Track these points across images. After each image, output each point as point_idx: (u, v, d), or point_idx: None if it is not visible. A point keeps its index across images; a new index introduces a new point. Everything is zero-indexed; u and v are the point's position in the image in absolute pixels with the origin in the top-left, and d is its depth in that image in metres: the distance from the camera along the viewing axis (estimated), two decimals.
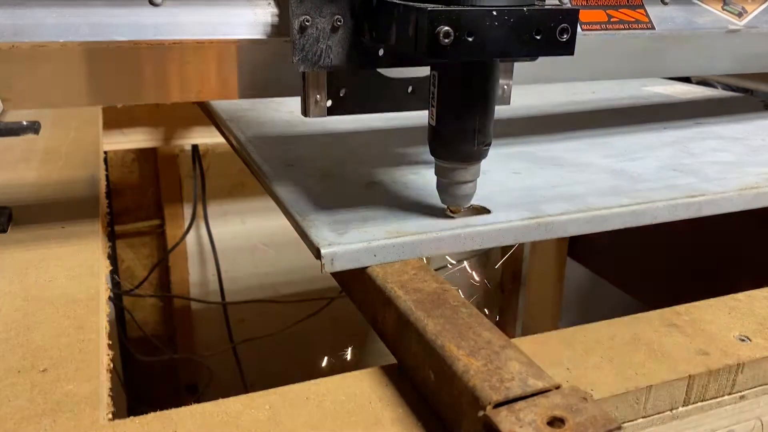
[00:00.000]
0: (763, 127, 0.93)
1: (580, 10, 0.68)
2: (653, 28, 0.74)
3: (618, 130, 0.90)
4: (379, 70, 0.58)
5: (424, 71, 0.57)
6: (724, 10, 0.77)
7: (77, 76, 0.54)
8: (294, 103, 1.02)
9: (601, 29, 0.71)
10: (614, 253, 1.53)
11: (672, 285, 1.37)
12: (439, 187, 0.57)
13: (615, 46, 0.76)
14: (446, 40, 0.44)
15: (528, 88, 1.16)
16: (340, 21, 0.51)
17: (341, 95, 0.57)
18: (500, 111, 1.00)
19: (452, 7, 0.45)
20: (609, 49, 0.76)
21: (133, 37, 0.53)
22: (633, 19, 0.73)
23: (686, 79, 1.42)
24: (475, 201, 0.61)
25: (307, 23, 0.50)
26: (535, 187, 0.66)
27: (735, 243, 1.23)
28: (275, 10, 0.57)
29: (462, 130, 0.53)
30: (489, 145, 0.55)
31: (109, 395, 0.44)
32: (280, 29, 0.57)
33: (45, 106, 0.58)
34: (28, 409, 0.41)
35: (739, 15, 0.77)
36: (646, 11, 0.74)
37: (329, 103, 0.57)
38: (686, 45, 0.80)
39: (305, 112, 0.57)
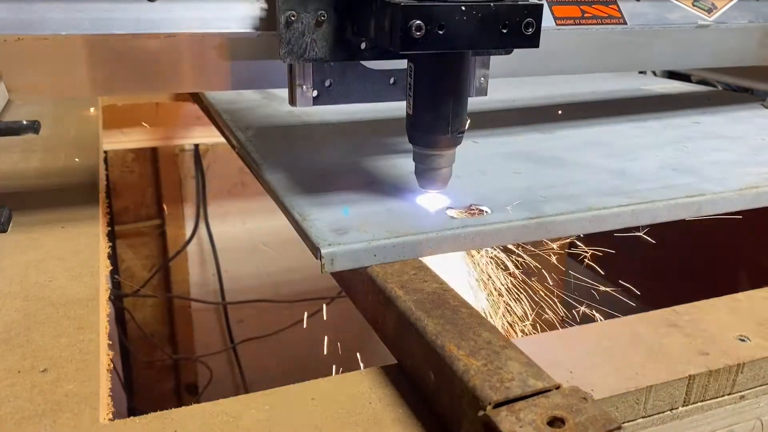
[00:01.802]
0: (763, 127, 0.93)
1: (555, 6, 0.70)
2: (625, 23, 0.77)
3: (617, 130, 0.90)
4: (361, 62, 0.61)
5: (405, 64, 0.59)
6: (694, 6, 0.79)
7: (79, 67, 0.58)
8: None
9: (575, 24, 0.74)
10: (614, 253, 1.53)
11: (672, 285, 1.37)
12: (417, 172, 0.60)
13: (589, 40, 0.79)
14: (418, 33, 0.48)
15: (527, 87, 1.17)
16: (323, 16, 0.55)
17: (327, 86, 0.60)
18: (501, 107, 1.00)
19: (424, 3, 0.48)
20: (583, 43, 0.79)
21: (131, 30, 0.56)
22: (606, 15, 0.75)
23: (686, 78, 1.42)
24: (475, 201, 0.61)
25: (292, 18, 0.54)
26: (535, 187, 0.66)
27: (735, 243, 1.23)
28: (264, 5, 0.60)
29: (436, 119, 0.56)
30: (463, 132, 0.57)
31: (109, 395, 0.44)
32: (268, 23, 0.60)
33: (49, 96, 0.60)
34: (28, 409, 0.41)
35: (709, 11, 0.78)
36: (618, 7, 0.78)
37: (315, 93, 0.60)
38: (658, 40, 0.84)
39: (292, 101, 0.60)
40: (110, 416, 0.43)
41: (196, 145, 1.78)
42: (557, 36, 0.73)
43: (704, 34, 0.85)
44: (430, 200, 0.61)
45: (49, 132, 0.96)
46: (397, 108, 0.70)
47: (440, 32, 0.48)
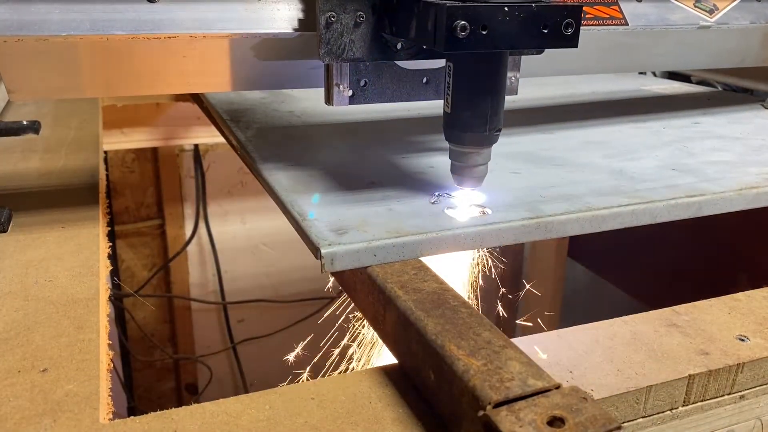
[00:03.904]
0: (763, 127, 0.93)
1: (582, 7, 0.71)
2: (627, 24, 0.78)
3: (617, 130, 0.90)
4: (396, 62, 0.62)
5: (439, 63, 0.60)
6: (696, 7, 0.80)
7: (78, 68, 0.58)
8: (294, 103, 1.03)
9: None
10: (614, 253, 1.53)
11: (672, 285, 1.37)
12: (453, 170, 0.61)
13: (590, 41, 0.79)
14: (463, 34, 0.48)
15: (527, 87, 1.17)
16: (362, 17, 0.56)
17: (362, 85, 0.61)
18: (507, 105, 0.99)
19: (468, 3, 0.49)
20: (584, 44, 0.79)
21: (132, 31, 0.56)
22: (607, 16, 0.76)
23: (686, 79, 1.42)
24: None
25: (332, 19, 0.55)
26: (535, 187, 0.66)
27: (735, 243, 1.23)
28: (301, 6, 0.61)
29: (475, 117, 0.56)
30: (500, 130, 0.58)
31: (109, 395, 0.44)
32: (306, 24, 0.60)
33: (48, 97, 0.60)
34: (28, 409, 0.41)
35: (711, 12, 0.79)
36: (620, 8, 0.78)
37: (350, 92, 0.61)
38: (660, 41, 0.84)
39: (328, 100, 0.61)
40: (110, 416, 0.43)
41: (196, 145, 1.78)
42: None
43: (706, 35, 0.86)
44: (467, 197, 0.62)
45: (49, 132, 0.96)
46: (400, 108, 0.70)
47: (483, 32, 0.49)
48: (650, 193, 0.65)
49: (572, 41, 0.52)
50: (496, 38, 0.50)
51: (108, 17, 0.56)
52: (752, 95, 1.28)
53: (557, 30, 0.51)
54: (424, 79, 0.64)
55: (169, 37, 0.58)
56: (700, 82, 1.40)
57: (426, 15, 0.51)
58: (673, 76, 1.46)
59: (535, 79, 1.24)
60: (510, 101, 1.05)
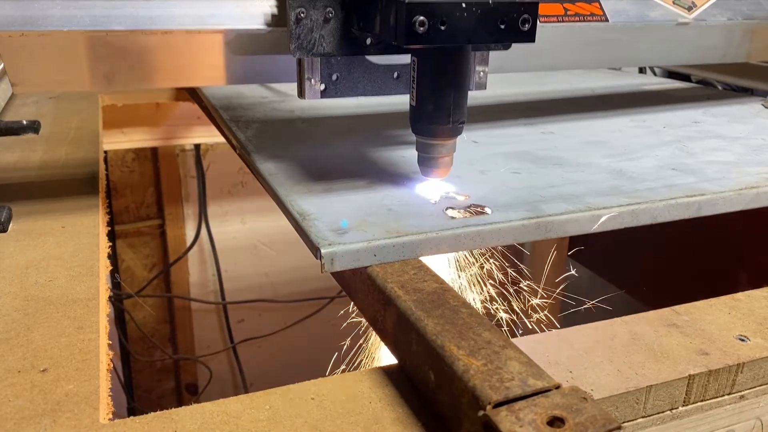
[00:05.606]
0: (763, 127, 0.93)
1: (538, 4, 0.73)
2: (607, 20, 0.79)
3: (617, 129, 0.90)
4: (367, 57, 0.63)
5: (408, 59, 0.61)
6: (674, 4, 0.81)
7: (79, 62, 0.60)
8: (294, 102, 1.02)
9: (558, 21, 0.76)
10: (614, 253, 1.53)
11: (672, 285, 1.37)
12: (420, 161, 0.63)
13: (571, 37, 0.81)
14: (422, 29, 0.50)
15: (526, 86, 1.17)
16: (331, 13, 0.57)
17: (333, 80, 0.63)
18: (501, 106, 0.99)
19: (427, 0, 0.50)
20: (566, 40, 0.81)
21: (129, 27, 0.58)
22: (588, 12, 0.78)
23: (686, 78, 1.42)
24: (475, 201, 0.62)
25: (302, 15, 0.56)
26: (535, 187, 0.66)
27: (735, 243, 1.23)
28: (274, 3, 0.62)
29: (438, 110, 0.58)
30: (463, 123, 0.60)
31: (108, 395, 0.44)
32: (279, 20, 0.62)
33: (51, 90, 0.62)
34: (28, 409, 0.41)
35: (689, 9, 0.80)
36: (600, 4, 0.80)
37: (322, 86, 0.62)
38: (641, 37, 0.86)
39: (301, 94, 0.62)
40: (110, 416, 0.43)
41: (197, 145, 1.78)
42: (541, 33, 0.74)
43: (685, 32, 0.87)
44: (431, 188, 0.63)
45: (49, 132, 0.96)
46: (400, 104, 0.71)
47: (442, 27, 0.51)
48: (650, 193, 0.65)
49: (529, 36, 0.54)
50: (454, 33, 0.51)
51: (107, 13, 0.57)
52: (752, 95, 1.28)
53: (514, 25, 0.53)
54: (395, 74, 0.65)
55: (166, 33, 0.59)
56: (700, 82, 1.40)
57: (388, 11, 0.52)
58: (672, 75, 1.46)
59: (535, 78, 1.24)
60: (510, 100, 1.06)
